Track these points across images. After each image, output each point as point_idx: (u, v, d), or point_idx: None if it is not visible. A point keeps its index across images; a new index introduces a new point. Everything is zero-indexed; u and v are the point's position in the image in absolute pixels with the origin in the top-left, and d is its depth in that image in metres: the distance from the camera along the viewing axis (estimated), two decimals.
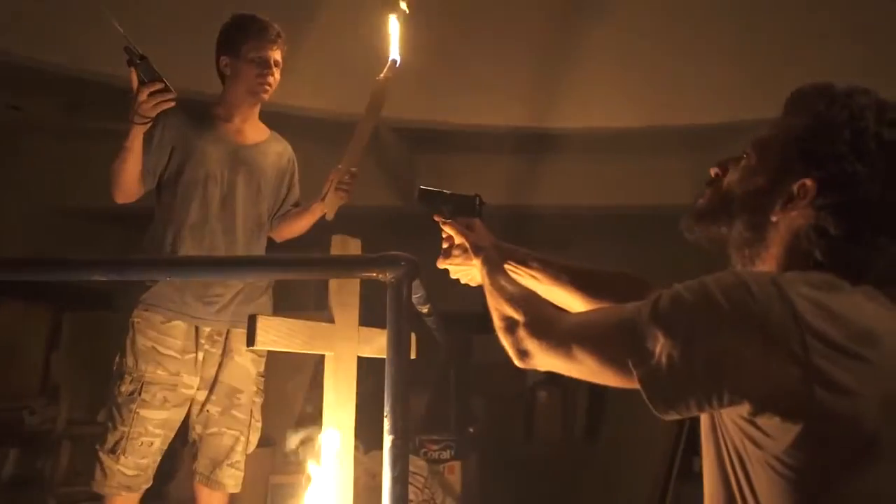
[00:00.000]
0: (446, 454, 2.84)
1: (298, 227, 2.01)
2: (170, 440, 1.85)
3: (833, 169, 0.81)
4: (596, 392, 4.44)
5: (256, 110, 1.97)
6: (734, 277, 0.77)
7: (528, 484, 3.31)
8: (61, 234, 3.86)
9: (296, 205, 2.06)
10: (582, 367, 0.85)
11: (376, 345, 1.39)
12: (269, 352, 3.23)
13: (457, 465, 2.84)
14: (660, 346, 0.76)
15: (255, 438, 1.94)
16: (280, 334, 1.25)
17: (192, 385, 1.84)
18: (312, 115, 3.27)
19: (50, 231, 3.90)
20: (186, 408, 1.86)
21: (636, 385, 0.79)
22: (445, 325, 2.35)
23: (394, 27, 1.60)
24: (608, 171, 3.92)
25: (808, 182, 0.82)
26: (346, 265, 1.16)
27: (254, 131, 1.98)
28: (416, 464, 2.53)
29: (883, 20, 3.02)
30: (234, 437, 1.88)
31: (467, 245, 1.20)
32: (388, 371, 0.94)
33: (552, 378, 4.67)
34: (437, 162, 4.05)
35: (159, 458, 1.84)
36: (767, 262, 0.86)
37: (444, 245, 1.25)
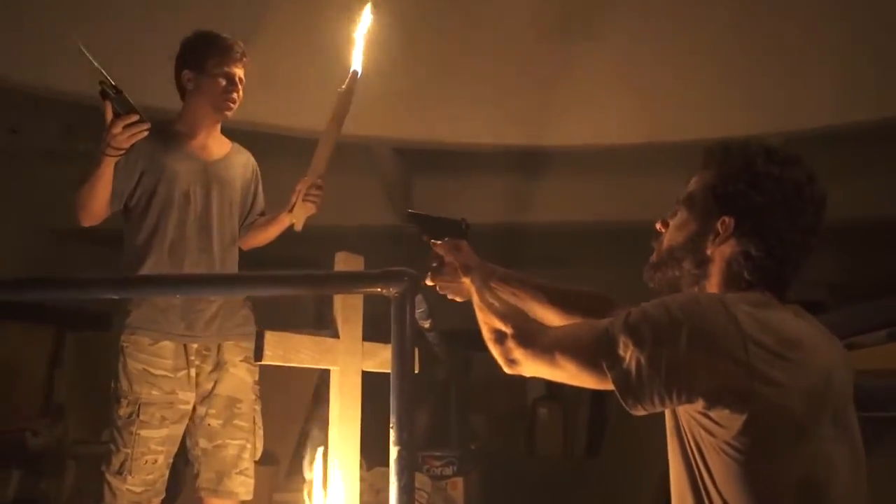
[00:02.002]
0: (449, 470, 2.86)
1: (265, 236, 2.01)
2: (174, 454, 1.86)
3: (741, 205, 1.01)
4: (597, 408, 4.45)
5: (218, 126, 1.96)
6: (690, 298, 0.99)
7: (530, 500, 3.32)
8: (58, 256, 3.89)
9: (261, 214, 2.05)
10: (564, 372, 1.01)
11: (380, 359, 1.43)
12: (271, 369, 3.25)
13: (459, 480, 2.86)
14: (629, 353, 0.92)
15: (260, 445, 1.95)
16: (287, 349, 1.28)
17: (188, 401, 1.85)
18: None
19: (47, 252, 3.93)
20: (186, 422, 1.87)
21: (610, 386, 0.94)
22: (446, 342, 2.39)
23: (357, 40, 1.66)
24: (602, 188, 3.96)
25: (727, 219, 1.02)
26: (351, 281, 1.20)
27: (217, 145, 1.97)
28: (420, 479, 2.54)
29: (880, 42, 3.10)
30: (239, 447, 1.89)
31: (456, 264, 1.31)
32: (393, 384, 0.97)
33: (553, 395, 4.69)
34: (434, 180, 4.10)
35: (167, 471, 1.85)
36: (712, 288, 1.05)
37: (434, 264, 1.35)
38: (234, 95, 1.88)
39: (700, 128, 3.28)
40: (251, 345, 1.76)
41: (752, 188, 1.01)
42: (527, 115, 3.48)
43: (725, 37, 3.28)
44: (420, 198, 4.07)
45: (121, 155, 1.71)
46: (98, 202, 1.79)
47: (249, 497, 1.91)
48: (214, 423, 1.88)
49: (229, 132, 2.06)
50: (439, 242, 1.33)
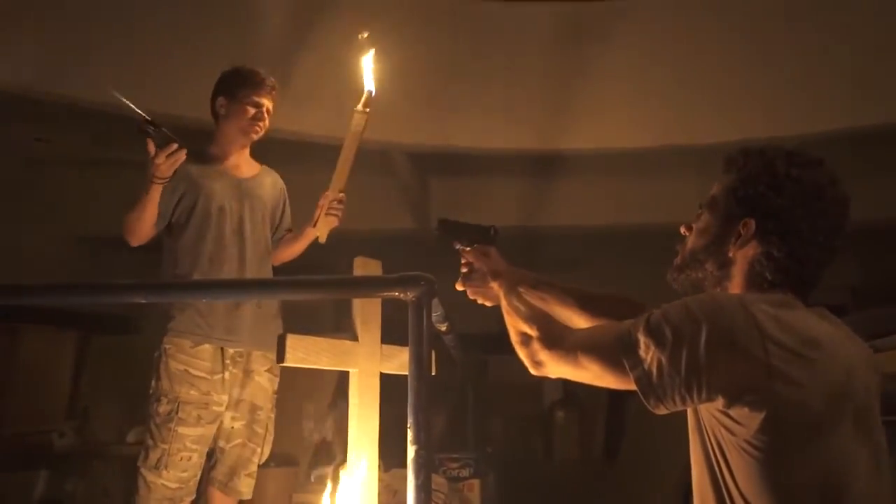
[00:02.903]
0: (465, 472, 2.88)
1: (293, 250, 2.18)
2: (205, 454, 1.97)
3: (762, 207, 1.04)
4: (614, 412, 4.43)
5: (248, 149, 2.15)
6: (709, 298, 1.01)
7: (546, 503, 3.32)
8: (87, 264, 3.97)
9: (288, 230, 2.22)
10: (588, 373, 1.04)
11: (398, 361, 1.46)
12: (290, 374, 3.31)
13: (476, 482, 2.88)
14: (651, 353, 0.95)
15: (268, 450, 2.09)
16: (308, 352, 1.32)
17: (221, 403, 1.98)
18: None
19: (76, 260, 4.02)
20: (217, 423, 1.98)
21: (632, 386, 0.97)
22: (463, 346, 2.41)
23: (367, 63, 1.78)
24: (619, 191, 3.96)
25: (748, 220, 1.05)
26: (369, 285, 1.23)
27: (248, 166, 2.16)
28: (436, 481, 2.57)
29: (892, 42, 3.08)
30: (252, 450, 2.04)
31: (485, 270, 1.35)
32: (410, 385, 1.00)
33: (570, 399, 4.68)
34: (451, 185, 4.13)
35: (199, 473, 1.96)
36: (735, 289, 1.07)
37: (464, 270, 1.39)
38: (261, 123, 2.08)
39: (715, 131, 3.28)
40: (271, 356, 2.00)
41: (773, 190, 1.03)
42: (541, 120, 3.50)
43: (740, 39, 3.27)
44: (436, 203, 4.10)
45: (166, 182, 1.88)
46: (145, 225, 1.96)
47: (250, 496, 2.07)
48: (237, 425, 2.01)
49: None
50: (469, 249, 1.37)
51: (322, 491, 1.43)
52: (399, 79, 3.31)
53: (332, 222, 1.98)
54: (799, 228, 1.02)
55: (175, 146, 1.79)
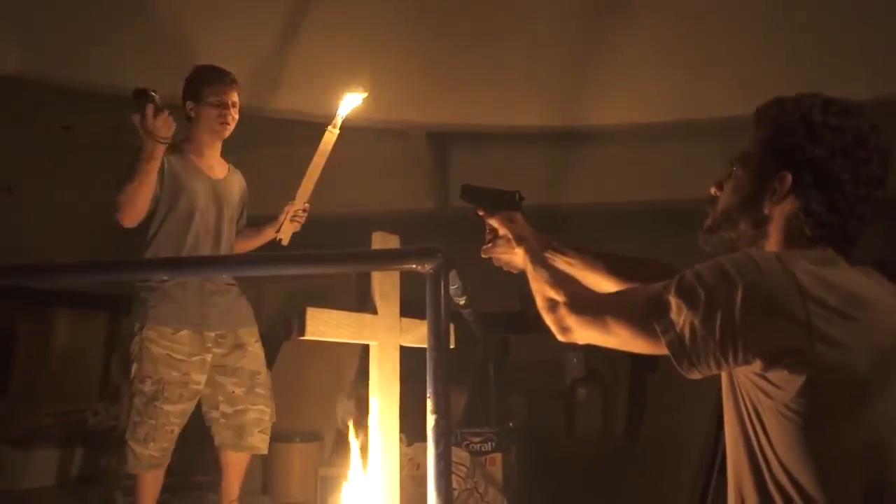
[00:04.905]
0: (487, 446, 2.91)
1: (250, 244, 2.36)
2: (183, 426, 2.17)
3: (800, 159, 0.97)
4: (636, 389, 4.42)
5: (219, 147, 2.28)
6: (745, 256, 0.93)
7: (569, 478, 3.34)
8: (112, 251, 4.05)
9: (245, 225, 2.40)
10: (616, 338, 0.99)
11: (417, 334, 1.47)
12: (314, 350, 3.35)
13: (498, 456, 2.91)
14: (683, 316, 0.90)
15: (273, 409, 2.29)
16: (328, 325, 1.33)
17: (199, 382, 2.17)
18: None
19: (101, 248, 4.09)
20: (196, 400, 2.18)
21: (664, 350, 0.92)
22: (484, 325, 2.43)
23: (346, 100, 1.99)
24: (643, 165, 3.91)
25: (785, 174, 0.98)
26: (387, 258, 1.24)
27: (220, 166, 2.30)
28: (459, 455, 2.60)
29: None
30: (260, 410, 2.23)
31: (510, 236, 1.31)
32: (429, 355, 1.01)
33: (592, 376, 4.68)
34: (470, 163, 4.11)
35: (175, 441, 2.18)
36: (772, 248, 1.01)
37: (488, 236, 1.36)
38: (228, 118, 2.19)
39: (741, 103, 3.17)
40: (256, 329, 2.30)
41: (810, 140, 0.96)
42: (563, 95, 3.45)
43: (766, 8, 3.18)
44: (456, 182, 4.08)
45: (168, 142, 1.97)
46: (143, 199, 2.06)
47: (266, 451, 2.29)
48: (238, 391, 2.21)
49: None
50: (493, 214, 1.33)
51: (346, 465, 1.46)
52: (417, 54, 3.30)
53: (295, 227, 2.19)
54: (840, 180, 0.95)
55: (167, 111, 1.92)
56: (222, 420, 2.22)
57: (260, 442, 2.24)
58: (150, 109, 1.90)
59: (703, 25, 3.21)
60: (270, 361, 3.30)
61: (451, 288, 1.46)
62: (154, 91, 1.91)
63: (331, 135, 2.01)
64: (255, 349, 2.27)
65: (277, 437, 3.07)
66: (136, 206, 2.06)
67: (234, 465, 2.25)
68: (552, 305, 1.09)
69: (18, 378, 4.42)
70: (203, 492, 2.93)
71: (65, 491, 3.38)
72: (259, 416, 2.23)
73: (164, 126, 1.92)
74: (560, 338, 1.09)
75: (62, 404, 4.21)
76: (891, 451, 0.87)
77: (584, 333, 1.04)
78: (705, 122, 3.36)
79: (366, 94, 2.03)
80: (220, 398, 2.22)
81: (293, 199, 2.19)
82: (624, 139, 3.80)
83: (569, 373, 4.73)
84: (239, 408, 2.22)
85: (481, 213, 1.36)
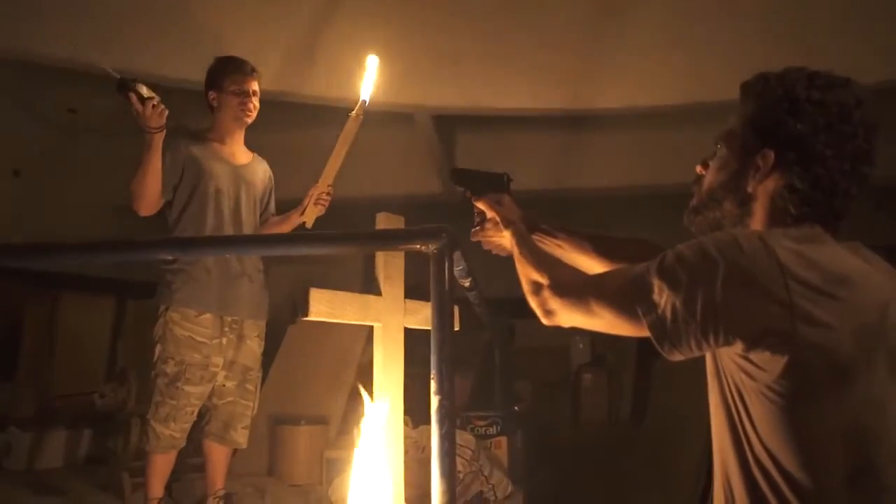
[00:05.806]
0: (493, 430, 2.92)
1: (276, 231, 2.34)
2: (199, 408, 2.20)
3: (782, 135, 0.95)
4: (641, 376, 4.42)
5: (242, 135, 2.32)
6: (726, 236, 0.91)
7: (574, 462, 3.35)
8: (119, 232, 4.06)
9: (272, 214, 2.41)
10: (600, 321, 0.97)
11: (421, 316, 1.46)
12: (321, 335, 3.36)
13: (503, 440, 2.92)
14: (665, 297, 0.88)
15: (256, 404, 2.33)
16: (332, 306, 1.33)
17: (218, 364, 2.21)
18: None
19: (108, 229, 4.11)
20: (213, 382, 2.21)
21: (646, 332, 0.90)
22: (490, 310, 2.42)
23: (368, 74, 1.93)
24: (649, 150, 3.88)
25: (767, 151, 0.96)
26: (391, 238, 1.23)
27: (242, 154, 2.34)
28: (464, 438, 2.60)
29: None
30: (245, 406, 2.28)
31: (497, 218, 1.30)
32: (433, 336, 1.00)
33: (598, 361, 4.68)
34: (476, 147, 4.09)
35: (192, 423, 2.22)
36: (757, 226, 0.98)
37: (477, 219, 1.35)
38: (250, 106, 2.24)
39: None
40: (263, 323, 2.32)
41: (792, 116, 0.94)
42: (570, 78, 3.41)
43: None
44: (462, 165, 4.06)
45: (162, 130, 1.99)
46: (152, 187, 2.11)
47: (246, 445, 2.32)
48: (229, 384, 2.24)
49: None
50: (480, 197, 1.32)
51: (351, 447, 1.46)
52: (423, 38, 3.26)
53: (319, 210, 2.19)
54: (823, 156, 0.92)
55: (158, 98, 1.91)
56: (211, 410, 2.25)
57: (241, 437, 2.28)
58: (133, 99, 1.90)
59: (709, 7, 3.16)
60: (276, 345, 3.32)
61: (456, 269, 1.45)
62: (135, 80, 1.90)
63: (354, 121, 2.00)
64: (254, 345, 2.29)
65: (283, 419, 3.11)
66: (146, 195, 2.11)
67: (218, 458, 2.28)
68: (536, 289, 1.07)
69: (26, 361, 4.47)
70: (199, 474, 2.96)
71: (72, 472, 3.42)
72: (244, 411, 2.28)
73: (154, 115, 1.93)
74: (545, 321, 1.07)
75: (69, 387, 4.26)
76: (874, 433, 0.85)
77: (567, 316, 1.02)
78: (712, 105, 3.31)
79: (377, 61, 1.98)
80: (215, 389, 2.24)
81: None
82: (631, 123, 3.76)
83: (574, 358, 4.73)
84: (228, 400, 2.25)
85: (469, 196, 1.34)
